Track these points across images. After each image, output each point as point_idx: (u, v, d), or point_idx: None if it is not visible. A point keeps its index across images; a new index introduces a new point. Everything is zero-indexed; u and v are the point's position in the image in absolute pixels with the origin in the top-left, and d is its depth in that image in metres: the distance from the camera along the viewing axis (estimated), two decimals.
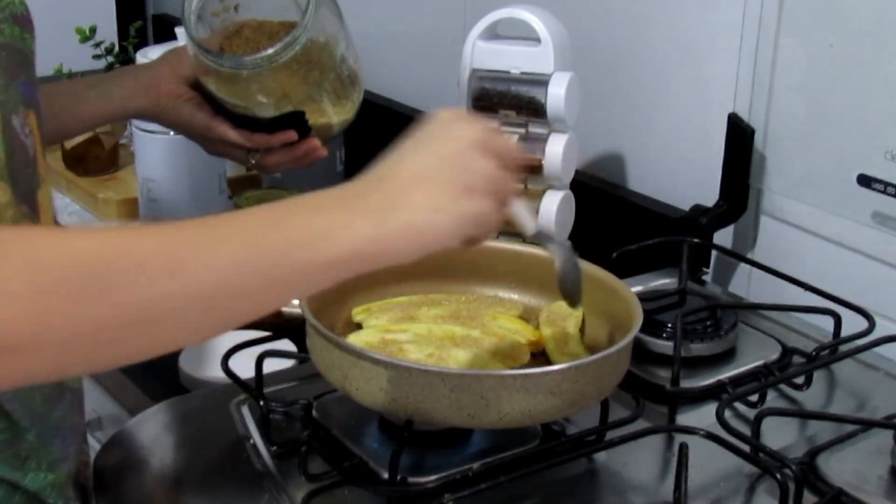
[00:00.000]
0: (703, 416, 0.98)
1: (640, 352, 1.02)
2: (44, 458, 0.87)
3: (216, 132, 1.18)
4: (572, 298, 0.87)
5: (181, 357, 1.15)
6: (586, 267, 1.01)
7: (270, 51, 1.05)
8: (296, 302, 0.99)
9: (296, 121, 1.12)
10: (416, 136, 0.76)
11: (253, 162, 1.18)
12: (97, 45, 1.95)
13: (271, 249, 0.68)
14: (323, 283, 0.71)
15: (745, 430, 0.91)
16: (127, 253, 0.63)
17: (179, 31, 1.68)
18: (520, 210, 0.81)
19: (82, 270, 0.61)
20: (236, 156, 1.22)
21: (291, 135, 1.14)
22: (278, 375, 1.03)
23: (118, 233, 0.67)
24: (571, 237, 1.27)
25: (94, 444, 1.04)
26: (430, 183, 0.73)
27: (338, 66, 1.11)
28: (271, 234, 0.68)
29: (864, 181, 1.12)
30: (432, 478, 0.86)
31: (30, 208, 0.85)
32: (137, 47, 1.79)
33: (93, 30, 1.94)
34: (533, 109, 1.21)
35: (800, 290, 1.15)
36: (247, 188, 1.54)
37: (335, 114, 1.17)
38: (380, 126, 1.71)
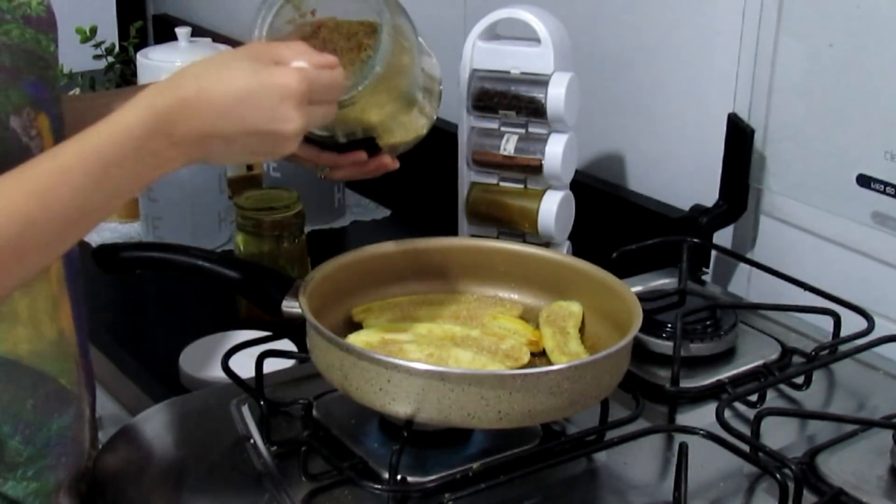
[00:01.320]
0: (702, 415, 0.98)
1: (640, 352, 1.02)
2: (31, 464, 0.87)
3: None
4: None
5: (181, 357, 1.15)
6: (587, 267, 1.01)
7: (352, 93, 1.02)
8: (296, 301, 0.99)
9: (366, 141, 1.10)
10: (229, 55, 0.82)
11: (321, 176, 1.16)
12: (98, 45, 1.96)
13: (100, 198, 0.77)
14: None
15: (745, 429, 0.91)
16: None
17: (181, 31, 1.68)
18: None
19: None
20: (302, 165, 1.21)
21: (361, 156, 1.11)
22: (278, 375, 1.03)
23: None
24: (571, 237, 1.27)
25: None
26: (231, 140, 0.80)
27: (413, 85, 1.09)
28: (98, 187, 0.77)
29: (864, 181, 1.12)
30: (432, 478, 0.86)
31: None
32: (138, 47, 1.79)
33: (93, 30, 1.94)
34: (533, 109, 1.21)
35: (799, 290, 1.15)
36: (247, 188, 1.54)
37: (408, 133, 1.15)
38: None
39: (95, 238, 1.47)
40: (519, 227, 1.25)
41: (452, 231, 1.30)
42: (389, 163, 1.06)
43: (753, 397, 0.99)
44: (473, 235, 1.28)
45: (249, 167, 1.73)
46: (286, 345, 1.07)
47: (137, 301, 1.38)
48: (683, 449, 0.86)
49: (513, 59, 1.22)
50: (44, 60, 0.87)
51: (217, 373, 1.00)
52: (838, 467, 0.89)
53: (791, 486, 0.82)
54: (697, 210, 1.27)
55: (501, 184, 1.26)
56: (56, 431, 0.88)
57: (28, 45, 0.85)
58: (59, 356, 0.88)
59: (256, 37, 0.99)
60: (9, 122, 0.82)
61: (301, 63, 0.82)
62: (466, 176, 1.28)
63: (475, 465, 0.86)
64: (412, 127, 1.08)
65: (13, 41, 0.83)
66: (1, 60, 0.82)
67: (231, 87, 0.79)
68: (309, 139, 1.11)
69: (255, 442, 0.94)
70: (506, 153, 1.23)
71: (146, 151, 0.77)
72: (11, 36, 0.83)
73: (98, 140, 0.77)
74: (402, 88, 1.03)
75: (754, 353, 1.08)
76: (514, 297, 1.05)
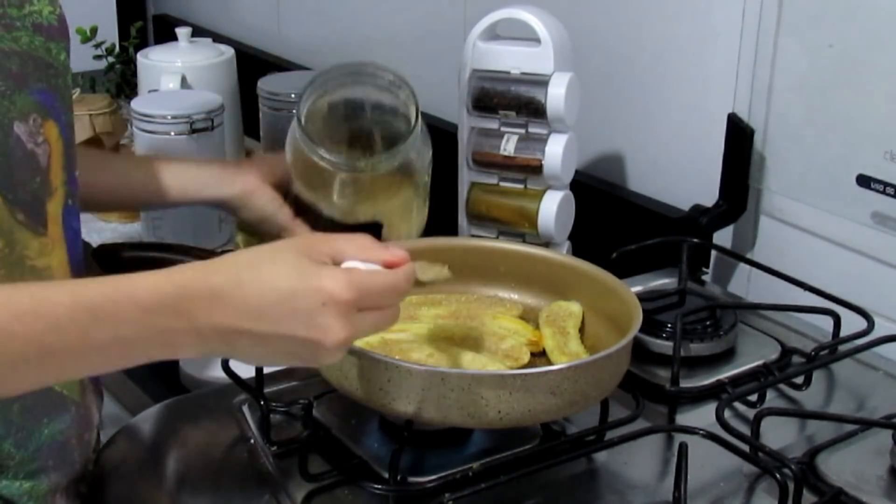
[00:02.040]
0: (702, 415, 0.98)
1: (640, 352, 1.03)
2: (23, 467, 0.87)
3: (294, 233, 1.15)
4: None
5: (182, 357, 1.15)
6: (587, 267, 1.01)
7: (380, 158, 1.06)
8: None
9: (372, 227, 1.12)
10: (280, 270, 0.74)
11: None
12: (98, 45, 1.96)
13: (76, 348, 0.71)
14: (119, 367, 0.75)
15: (745, 429, 0.91)
16: None
17: (181, 31, 1.68)
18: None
19: None
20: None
21: None
22: (278, 375, 1.03)
23: None
24: (571, 237, 1.27)
25: None
26: (263, 341, 0.74)
27: (424, 181, 1.12)
28: (95, 332, 0.71)
29: (864, 181, 1.12)
30: (432, 478, 0.86)
31: (30, 217, 0.84)
32: (138, 48, 1.79)
33: (93, 30, 1.94)
34: (533, 110, 1.21)
35: (799, 290, 1.15)
36: None
37: (409, 228, 1.18)
38: None
39: (96, 238, 1.47)
40: (519, 227, 1.25)
41: (452, 231, 1.30)
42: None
43: (753, 397, 0.99)
44: (473, 235, 1.28)
45: None
46: None
47: None
48: (683, 449, 0.86)
49: (513, 59, 1.22)
50: (53, 68, 0.87)
51: (217, 373, 1.00)
52: (838, 467, 0.89)
53: (791, 485, 0.82)
54: (697, 210, 1.27)
55: (501, 184, 1.26)
56: (48, 436, 0.88)
57: (37, 52, 0.85)
58: None
59: (296, 117, 1.03)
60: (12, 129, 0.82)
61: (355, 264, 0.76)
62: (466, 176, 1.28)
63: (475, 465, 0.86)
64: (412, 225, 1.11)
65: (22, 48, 0.84)
66: (8, 66, 0.82)
67: (269, 284, 0.73)
68: (317, 223, 1.13)
69: (255, 442, 0.94)
70: (506, 153, 1.23)
71: (151, 326, 0.72)
72: (20, 43, 0.84)
73: (99, 289, 0.72)
74: (416, 178, 1.07)
75: (754, 353, 1.08)
76: (514, 297, 1.05)
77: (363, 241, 0.78)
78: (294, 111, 1.09)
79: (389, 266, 0.77)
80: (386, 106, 1.13)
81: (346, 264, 0.76)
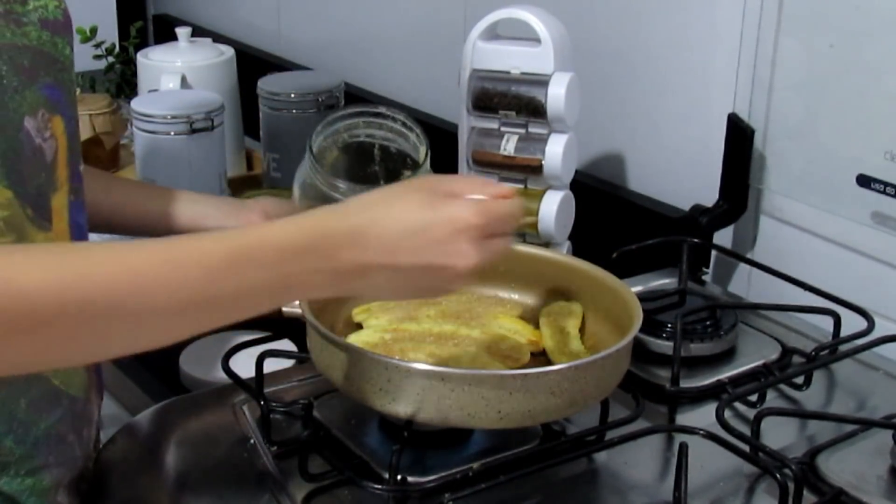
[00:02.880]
0: (702, 416, 0.98)
1: (640, 352, 1.02)
2: (24, 463, 0.87)
3: None
4: None
5: (182, 357, 1.15)
6: (587, 267, 1.01)
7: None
8: (296, 302, 0.99)
9: None
10: (411, 205, 0.78)
11: None
12: (98, 45, 1.96)
13: (229, 293, 0.73)
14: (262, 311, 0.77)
15: (745, 429, 0.91)
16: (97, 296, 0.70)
17: (181, 31, 1.68)
18: None
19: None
20: None
21: None
22: (278, 375, 1.03)
23: (94, 268, 0.71)
24: (571, 237, 1.27)
25: None
26: (399, 274, 0.77)
27: None
28: (231, 280, 0.73)
29: (864, 181, 1.12)
30: (432, 478, 0.86)
31: (37, 212, 0.85)
32: (138, 48, 1.79)
33: (93, 30, 1.94)
34: (533, 109, 1.21)
35: (800, 290, 1.15)
36: (247, 188, 1.54)
37: None
38: None
39: (97, 238, 1.46)
40: (519, 226, 1.24)
41: None
42: None
43: (753, 397, 0.99)
44: None
45: (249, 167, 1.74)
46: (286, 345, 1.07)
47: None
48: (683, 449, 0.86)
49: (513, 59, 1.22)
50: (59, 63, 0.87)
51: (217, 373, 1.00)
52: (838, 467, 0.89)
53: (791, 486, 0.82)
54: (697, 210, 1.27)
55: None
56: (43, 430, 0.88)
57: (45, 47, 0.85)
58: None
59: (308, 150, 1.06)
60: (23, 124, 0.83)
61: (478, 196, 0.79)
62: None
63: (475, 465, 0.86)
64: None
65: (31, 43, 0.84)
66: (20, 61, 0.83)
67: (404, 217, 0.76)
68: None
69: (255, 442, 0.94)
70: (506, 153, 1.23)
71: (298, 267, 0.74)
72: (30, 38, 0.84)
73: (245, 237, 0.75)
74: None
75: (754, 353, 1.08)
76: (514, 297, 1.05)
77: (474, 178, 0.84)
78: (308, 143, 1.14)
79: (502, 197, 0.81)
80: (394, 150, 1.18)
81: (469, 196, 0.79)
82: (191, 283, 0.72)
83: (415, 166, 1.15)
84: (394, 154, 1.18)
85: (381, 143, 1.19)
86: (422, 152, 1.14)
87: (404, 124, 1.16)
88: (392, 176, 1.18)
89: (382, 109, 1.17)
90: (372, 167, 1.18)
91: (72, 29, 0.90)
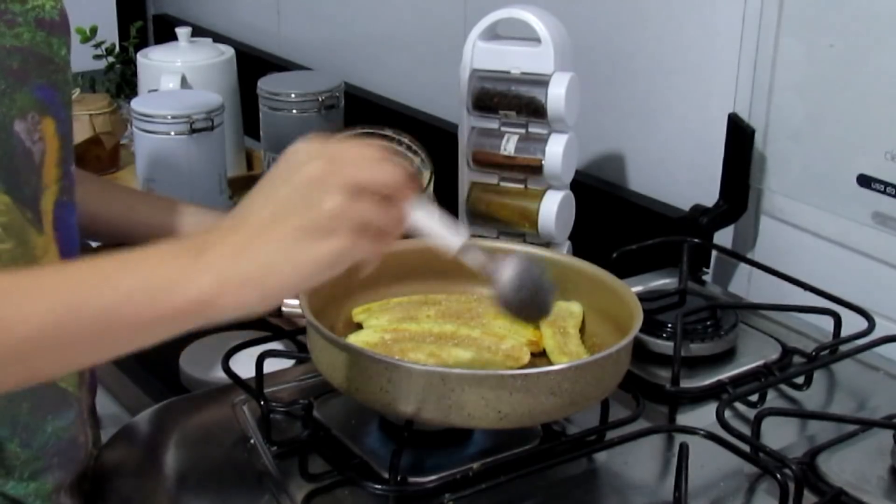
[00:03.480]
0: (703, 416, 0.98)
1: (640, 352, 1.02)
2: (28, 466, 0.87)
3: None
4: (528, 314, 0.86)
5: (182, 357, 1.15)
6: (587, 267, 1.01)
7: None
8: (296, 302, 0.99)
9: None
10: (268, 176, 0.74)
11: None
12: (98, 45, 1.96)
13: (102, 301, 0.69)
14: (163, 335, 0.72)
15: (745, 430, 0.91)
16: None
17: (181, 31, 1.68)
18: (428, 224, 0.78)
19: None
20: None
21: None
22: (278, 375, 1.03)
23: None
24: (571, 237, 1.27)
25: None
26: (271, 230, 0.71)
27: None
28: (104, 287, 0.69)
29: (864, 181, 1.12)
30: (432, 478, 0.86)
31: (34, 214, 0.84)
32: (138, 48, 1.79)
33: (93, 30, 1.94)
34: (533, 110, 1.21)
35: (800, 290, 1.15)
36: (247, 188, 1.54)
37: None
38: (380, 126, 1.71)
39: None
40: (519, 227, 1.25)
41: None
42: None
43: (754, 397, 0.99)
44: (473, 235, 1.28)
45: (249, 167, 1.74)
46: (286, 345, 1.07)
47: None
48: (684, 449, 0.86)
49: (513, 59, 1.22)
50: (54, 64, 0.86)
51: (217, 373, 1.00)
52: (839, 467, 0.89)
53: (791, 486, 0.82)
54: (697, 210, 1.27)
55: (501, 184, 1.26)
56: (52, 433, 0.88)
57: (39, 48, 0.85)
58: None
59: None
60: (13, 127, 0.82)
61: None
62: (466, 176, 1.28)
63: (475, 465, 0.86)
64: None
65: (24, 44, 0.83)
66: (9, 64, 0.82)
67: (264, 193, 0.74)
68: None
69: (255, 442, 0.94)
70: (506, 153, 1.23)
71: (173, 264, 0.70)
72: (22, 39, 0.83)
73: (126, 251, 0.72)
74: None
75: (755, 353, 1.08)
76: None
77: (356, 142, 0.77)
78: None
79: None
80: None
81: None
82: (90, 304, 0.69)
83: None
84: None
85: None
86: (425, 176, 1.13)
87: (409, 147, 1.16)
88: None
89: (389, 132, 1.17)
90: None
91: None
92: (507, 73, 1.22)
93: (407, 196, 0.75)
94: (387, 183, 0.73)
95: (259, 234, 0.71)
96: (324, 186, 0.71)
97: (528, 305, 0.84)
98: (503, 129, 1.24)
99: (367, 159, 0.74)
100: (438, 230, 0.79)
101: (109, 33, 2.11)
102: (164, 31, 2.14)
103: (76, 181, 0.91)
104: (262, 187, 0.74)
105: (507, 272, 0.83)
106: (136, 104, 1.45)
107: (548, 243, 1.23)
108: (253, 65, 1.83)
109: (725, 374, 1.04)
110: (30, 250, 0.84)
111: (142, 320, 0.70)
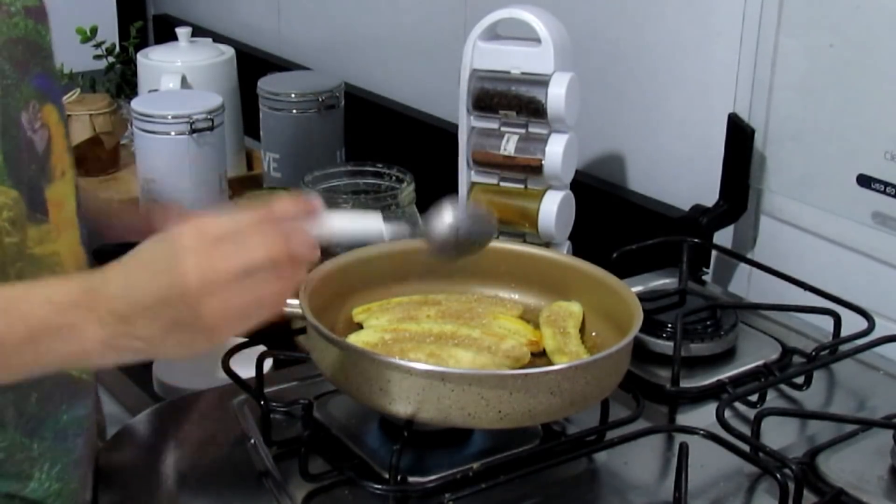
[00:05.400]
0: (703, 416, 0.98)
1: (640, 352, 1.02)
2: (56, 462, 0.86)
3: None
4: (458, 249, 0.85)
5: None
6: (587, 267, 1.01)
7: None
8: (296, 302, 0.99)
9: None
10: (138, 250, 0.74)
11: None
12: (98, 45, 1.96)
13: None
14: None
15: (745, 430, 0.91)
16: None
17: (181, 31, 1.68)
18: (343, 230, 0.79)
19: None
20: None
21: None
22: (278, 375, 1.03)
23: None
24: (571, 237, 1.27)
25: None
26: (155, 316, 0.72)
27: None
28: (6, 329, 0.72)
29: (864, 181, 1.12)
30: (432, 478, 0.86)
31: (32, 206, 0.84)
32: (138, 47, 1.79)
33: (94, 30, 1.94)
34: (533, 109, 1.21)
35: (800, 290, 1.15)
36: (247, 188, 1.54)
37: None
38: (380, 126, 1.72)
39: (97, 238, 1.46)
40: (519, 227, 1.25)
41: None
42: None
43: (753, 397, 0.99)
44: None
45: (249, 167, 1.74)
46: (286, 345, 1.07)
47: None
48: (684, 449, 0.86)
49: (513, 59, 1.22)
50: (45, 51, 0.87)
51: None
52: (838, 467, 0.89)
53: (791, 486, 0.82)
54: (697, 210, 1.27)
55: (501, 184, 1.26)
56: (68, 424, 0.87)
57: (31, 36, 0.85)
58: None
59: None
60: (20, 120, 0.82)
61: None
62: (466, 176, 1.28)
63: (475, 465, 0.86)
64: None
65: (21, 34, 0.84)
66: (14, 55, 0.82)
67: (131, 259, 0.74)
68: None
69: (255, 442, 0.94)
70: (506, 153, 1.23)
71: (64, 320, 0.72)
72: (19, 28, 0.83)
73: (11, 290, 0.74)
74: None
75: (754, 353, 1.08)
76: (515, 297, 1.05)
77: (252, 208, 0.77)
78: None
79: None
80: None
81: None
82: None
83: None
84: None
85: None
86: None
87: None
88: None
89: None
90: None
91: (47, 15, 0.89)
92: (507, 73, 1.22)
93: (297, 257, 0.74)
94: (269, 257, 0.73)
95: (133, 292, 0.72)
96: (206, 289, 0.71)
97: (466, 238, 0.85)
98: (503, 129, 1.24)
99: (242, 243, 0.72)
100: (358, 227, 0.81)
101: (109, 33, 2.11)
102: (165, 31, 2.14)
103: None
104: (134, 254, 0.74)
105: (438, 222, 0.84)
106: (136, 104, 1.45)
107: (548, 243, 1.23)
108: (253, 65, 1.84)
109: (725, 374, 1.04)
110: (24, 241, 0.83)
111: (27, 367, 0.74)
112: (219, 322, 0.72)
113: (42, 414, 0.86)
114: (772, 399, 1.01)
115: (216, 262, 0.71)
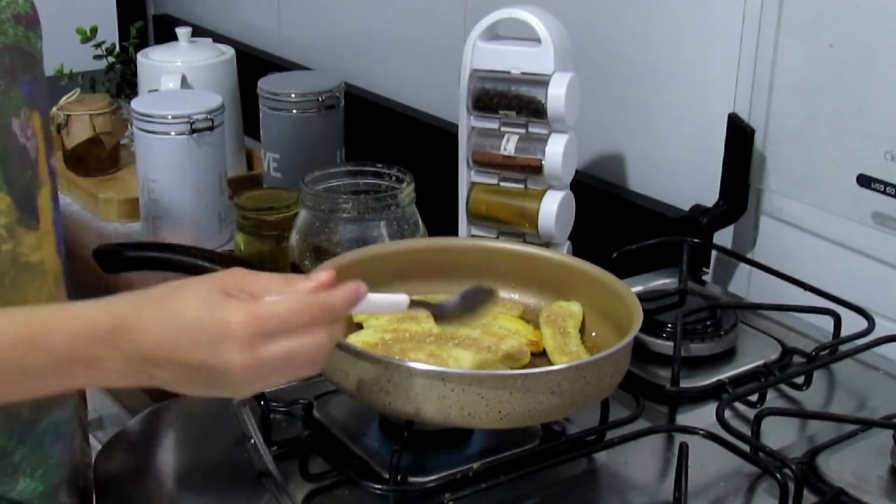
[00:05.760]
0: (703, 416, 0.98)
1: (640, 352, 1.02)
2: (38, 465, 0.87)
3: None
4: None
5: None
6: (587, 267, 1.01)
7: None
8: None
9: None
10: (193, 300, 0.73)
11: None
12: (98, 45, 1.95)
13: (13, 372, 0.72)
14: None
15: (745, 430, 0.91)
16: None
17: (181, 31, 1.68)
18: (369, 307, 0.80)
19: None
20: None
21: None
22: None
23: None
24: (571, 237, 1.27)
25: (95, 445, 1.04)
26: (181, 368, 0.73)
27: None
28: (13, 361, 0.71)
29: (864, 181, 1.12)
30: (432, 478, 0.86)
31: (27, 213, 0.84)
32: (138, 48, 1.79)
33: (94, 30, 1.94)
34: (533, 110, 1.21)
35: (800, 290, 1.15)
36: (247, 188, 1.54)
37: None
38: (380, 126, 1.72)
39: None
40: (519, 227, 1.25)
41: (452, 231, 1.30)
42: None
43: (754, 397, 0.99)
44: (473, 235, 1.28)
45: (249, 167, 1.74)
46: None
47: None
48: (684, 449, 0.86)
49: (513, 59, 1.22)
50: (33, 58, 0.87)
51: None
52: (838, 467, 0.89)
53: (791, 486, 0.82)
54: (697, 210, 1.27)
55: (501, 184, 1.26)
56: (46, 428, 0.87)
57: (20, 43, 0.85)
58: None
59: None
60: (11, 126, 0.82)
61: (275, 297, 0.73)
62: (466, 176, 1.28)
63: (475, 465, 0.86)
64: None
65: (10, 41, 0.84)
66: (3, 61, 0.82)
67: (182, 313, 0.72)
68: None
69: (255, 442, 0.93)
70: (506, 153, 1.23)
71: (88, 354, 0.72)
72: (8, 36, 0.84)
73: (39, 317, 0.73)
74: None
75: (754, 353, 1.08)
76: (515, 297, 1.05)
77: (288, 277, 0.77)
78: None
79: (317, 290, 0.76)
80: None
81: (267, 299, 0.74)
82: None
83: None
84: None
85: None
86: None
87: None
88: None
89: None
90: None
91: (39, 21, 0.89)
92: (507, 73, 1.22)
93: (326, 310, 0.75)
94: (314, 353, 0.74)
95: (169, 359, 0.73)
96: (231, 342, 0.71)
97: (468, 307, 0.87)
98: (503, 129, 1.24)
99: (291, 339, 0.73)
100: (381, 304, 0.82)
101: (109, 33, 2.10)
102: (165, 31, 2.14)
103: None
104: (185, 290, 0.74)
105: (453, 299, 0.87)
106: (136, 104, 1.45)
107: (548, 243, 1.23)
108: (253, 65, 1.83)
109: (725, 374, 1.04)
110: (19, 250, 0.83)
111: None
112: (249, 390, 0.75)
113: (31, 419, 0.86)
114: (772, 399, 1.01)
115: (262, 354, 0.72)
